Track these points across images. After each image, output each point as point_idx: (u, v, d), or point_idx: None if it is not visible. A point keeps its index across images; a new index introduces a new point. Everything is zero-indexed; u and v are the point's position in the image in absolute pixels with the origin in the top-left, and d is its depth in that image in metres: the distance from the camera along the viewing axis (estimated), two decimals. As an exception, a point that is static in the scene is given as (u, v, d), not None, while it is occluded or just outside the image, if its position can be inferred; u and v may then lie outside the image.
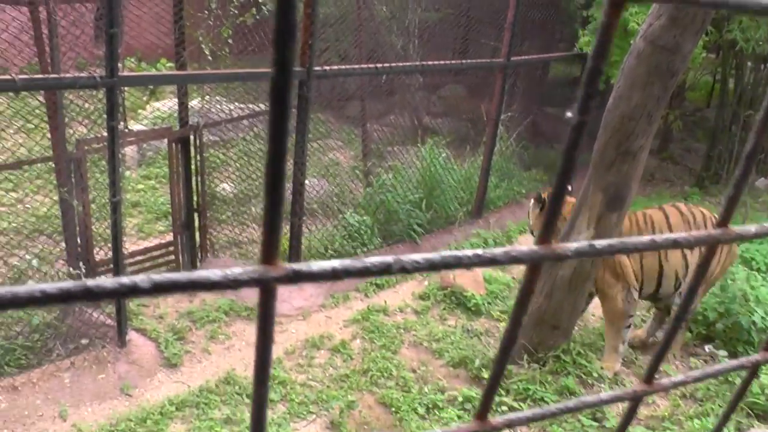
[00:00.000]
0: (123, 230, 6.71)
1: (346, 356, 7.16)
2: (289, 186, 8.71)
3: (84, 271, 6.81)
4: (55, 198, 6.92)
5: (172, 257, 8.15)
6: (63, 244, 6.96)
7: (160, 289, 0.48)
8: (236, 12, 7.45)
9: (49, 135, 6.68)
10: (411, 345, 7.43)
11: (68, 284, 0.46)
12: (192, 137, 7.85)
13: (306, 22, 7.34)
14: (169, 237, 8.41)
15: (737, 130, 12.90)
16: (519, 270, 9.32)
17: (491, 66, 10.37)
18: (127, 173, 10.81)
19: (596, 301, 7.21)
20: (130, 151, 11.14)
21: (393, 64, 8.91)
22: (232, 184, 9.20)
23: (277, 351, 7.14)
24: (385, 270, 0.53)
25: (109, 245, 6.77)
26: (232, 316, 7.62)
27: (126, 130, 7.79)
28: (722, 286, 7.61)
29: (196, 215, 8.19)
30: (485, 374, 6.82)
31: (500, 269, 9.27)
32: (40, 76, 5.91)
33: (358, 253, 8.78)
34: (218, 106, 8.58)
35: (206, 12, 7.43)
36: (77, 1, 7.04)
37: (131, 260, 7.69)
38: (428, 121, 12.37)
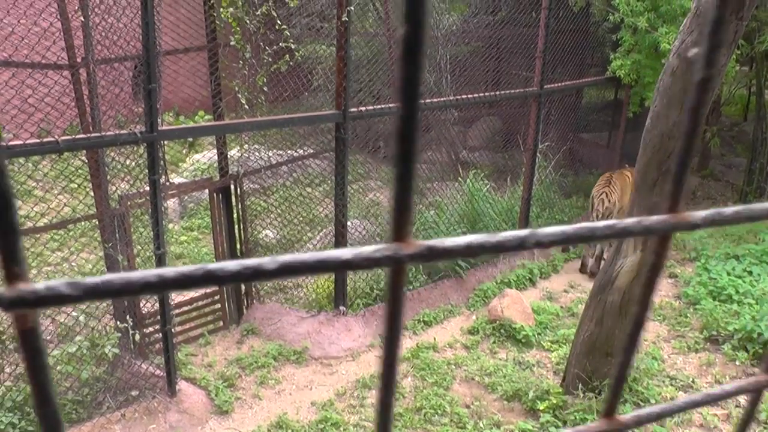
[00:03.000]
0: (169, 282, 6.75)
1: (398, 395, 7.10)
2: (330, 229, 8.75)
3: (131, 323, 6.87)
4: (100, 254, 7.03)
5: (218, 306, 8.20)
6: (110, 300, 7.04)
7: (286, 270, 0.46)
8: (270, 60, 7.55)
9: (92, 193, 6.79)
10: (463, 380, 7.35)
11: (188, 268, 0.45)
12: (232, 186, 7.94)
13: (339, 65, 7.42)
14: (215, 287, 8.46)
15: (777, 142, 12.68)
16: (567, 299, 9.22)
17: (525, 95, 10.36)
18: (170, 226, 10.94)
19: (647, 325, 7.09)
20: (172, 203, 11.29)
21: (427, 101, 8.94)
22: (274, 230, 9.25)
23: (327, 393, 7.12)
24: (519, 244, 0.51)
25: (156, 298, 6.84)
26: (281, 361, 7.61)
27: (167, 184, 7.89)
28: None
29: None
30: (540, 406, 6.72)
31: (548, 299, 9.18)
32: (82, 136, 6.02)
33: (404, 292, 8.74)
34: (257, 154, 8.67)
35: (241, 62, 7.54)
36: (116, 60, 7.19)
37: (178, 311, 7.74)
38: (465, 155, 12.36)
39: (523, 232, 0.51)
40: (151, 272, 0.44)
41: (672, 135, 5.85)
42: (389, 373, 0.53)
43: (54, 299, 0.43)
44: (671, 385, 7.25)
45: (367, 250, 0.47)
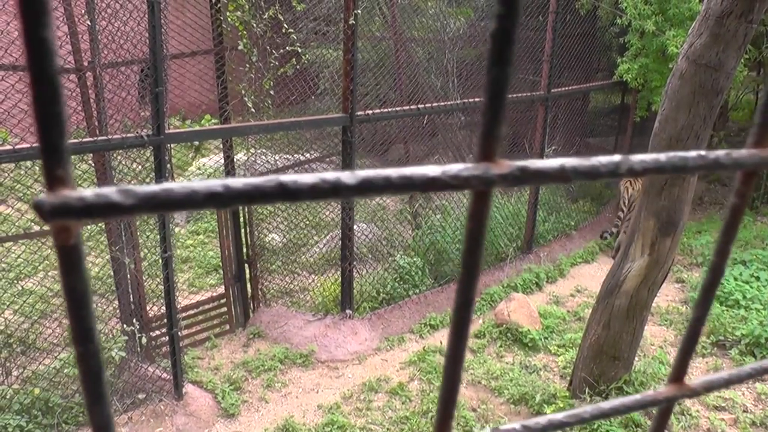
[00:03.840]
0: (175, 285, 6.77)
1: (405, 398, 7.09)
2: (337, 233, 8.75)
3: (138, 327, 6.88)
4: (107, 258, 7.03)
5: (225, 309, 8.20)
6: (116, 303, 7.05)
7: (367, 186, 0.41)
8: (277, 63, 7.56)
9: (99, 196, 6.79)
10: (469, 384, 7.33)
11: (260, 180, 0.40)
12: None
13: (346, 68, 7.43)
14: (221, 290, 8.47)
15: (786, 148, 12.66)
16: (573, 303, 9.20)
17: (532, 99, 10.35)
18: (177, 229, 10.95)
19: (654, 329, 7.07)
20: (178, 207, 11.28)
21: (433, 104, 8.93)
22: (280, 234, 9.25)
23: (334, 396, 7.11)
24: (613, 170, 0.48)
25: (162, 301, 6.84)
26: (287, 364, 7.61)
27: (174, 187, 7.88)
28: None
29: (246, 267, 8.26)
30: (547, 410, 6.70)
31: (555, 303, 9.16)
32: (89, 139, 6.03)
33: (410, 295, 8.75)
34: (263, 158, 8.68)
35: (247, 66, 7.55)
36: (122, 64, 7.20)
37: (184, 314, 7.75)
38: (472, 160, 12.33)
39: (616, 158, 0.48)
40: (217, 182, 0.39)
41: (680, 138, 5.83)
42: (464, 313, 0.50)
43: (103, 209, 0.38)
44: (679, 389, 7.21)
45: (456, 167, 0.44)
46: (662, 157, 0.49)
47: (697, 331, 0.64)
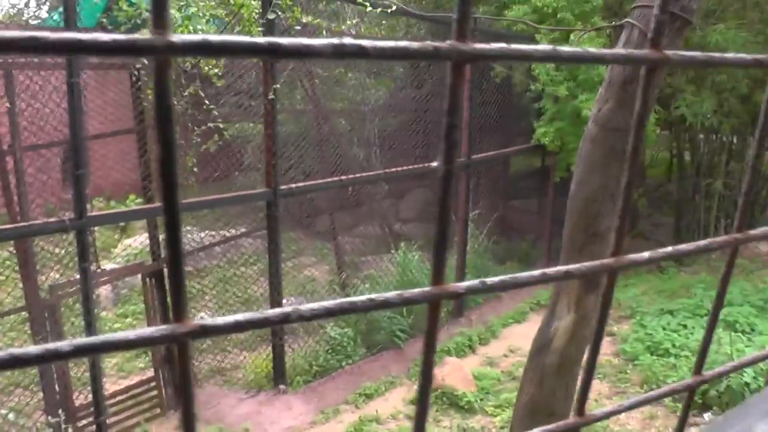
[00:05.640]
0: (102, 371, 6.60)
1: (343, 472, 6.99)
2: (266, 307, 8.67)
3: (64, 417, 6.65)
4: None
5: (155, 392, 8.00)
6: (41, 394, 6.82)
7: (80, 351, 0.47)
8: (199, 140, 7.57)
9: (21, 284, 6.63)
10: (407, 453, 7.28)
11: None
12: (165, 270, 7.84)
13: (268, 143, 7.47)
14: (150, 373, 8.27)
15: (701, 200, 13.19)
16: (507, 363, 9.26)
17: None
18: (103, 314, 10.69)
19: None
20: (104, 291, 11.06)
21: (357, 175, 9.03)
22: (209, 312, 9.14)
23: (271, 476, 6.97)
24: (283, 319, 0.53)
25: (89, 388, 6.65)
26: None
27: (99, 271, 7.76)
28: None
29: (176, 347, 8.09)
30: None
31: (489, 365, 9.20)
32: (9, 225, 5.91)
33: (344, 366, 8.69)
34: (189, 236, 8.62)
35: (169, 144, 7.52)
36: (43, 146, 7.12)
37: (112, 401, 7.53)
38: (399, 228, 12.46)
39: (288, 309, 0.52)
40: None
41: (596, 199, 5.99)
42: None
43: None
44: (614, 444, 7.30)
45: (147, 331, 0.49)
46: (332, 304, 0.54)
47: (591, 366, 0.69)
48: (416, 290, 0.58)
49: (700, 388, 7.64)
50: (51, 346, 0.44)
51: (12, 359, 0.44)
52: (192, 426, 0.54)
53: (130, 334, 0.49)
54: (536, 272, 0.63)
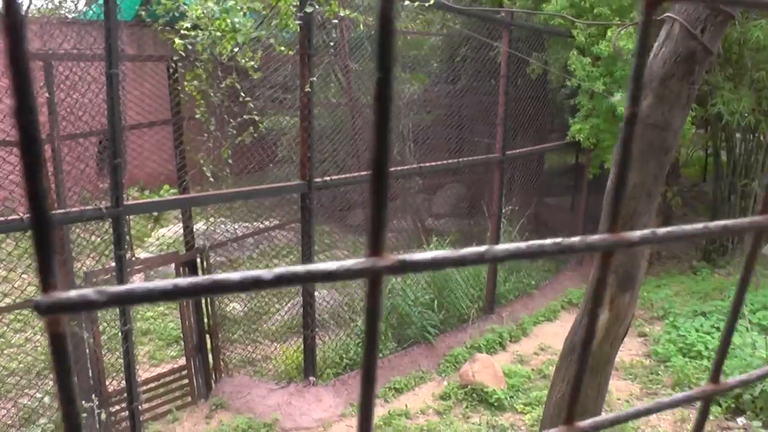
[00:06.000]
0: (135, 358, 6.66)
1: (372, 466, 6.99)
2: (298, 300, 8.71)
3: (97, 403, 6.73)
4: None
5: (186, 381, 8.07)
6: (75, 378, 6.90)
7: (281, 280, 0.50)
8: (234, 132, 7.60)
9: (57, 270, 6.70)
10: (437, 448, 7.27)
11: (198, 279, 0.49)
12: (199, 260, 7.90)
13: (303, 136, 7.49)
14: (182, 361, 8.34)
15: (736, 200, 13.00)
16: (538, 361, 9.22)
17: (488, 162, 10.50)
18: (137, 302, 10.80)
19: (619, 384, 7.10)
20: (138, 279, 11.18)
21: (391, 169, 9.01)
22: (242, 303, 9.19)
23: (301, 467, 7.01)
24: (477, 259, 0.55)
25: (122, 375, 6.72)
26: (252, 436, 7.49)
27: (133, 259, 7.83)
28: (743, 356, 7.57)
29: (207, 337, 8.17)
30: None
31: (519, 362, 9.17)
32: (46, 212, 5.97)
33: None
34: (223, 227, 8.67)
35: (205, 135, 7.58)
36: (81, 136, 7.20)
37: (145, 388, 7.61)
38: (431, 222, 12.45)
39: (482, 248, 0.55)
40: (168, 282, 0.48)
41: (633, 196, 5.94)
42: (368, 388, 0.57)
43: (84, 305, 0.47)
44: (645, 444, 7.25)
45: (348, 263, 0.51)
46: (522, 245, 0.56)
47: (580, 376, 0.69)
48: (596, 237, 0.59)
49: (734, 392, 7.55)
50: (252, 273, 0.49)
51: (214, 285, 0.48)
52: (374, 365, 0.55)
53: (331, 265, 0.51)
54: (699, 225, 0.66)
